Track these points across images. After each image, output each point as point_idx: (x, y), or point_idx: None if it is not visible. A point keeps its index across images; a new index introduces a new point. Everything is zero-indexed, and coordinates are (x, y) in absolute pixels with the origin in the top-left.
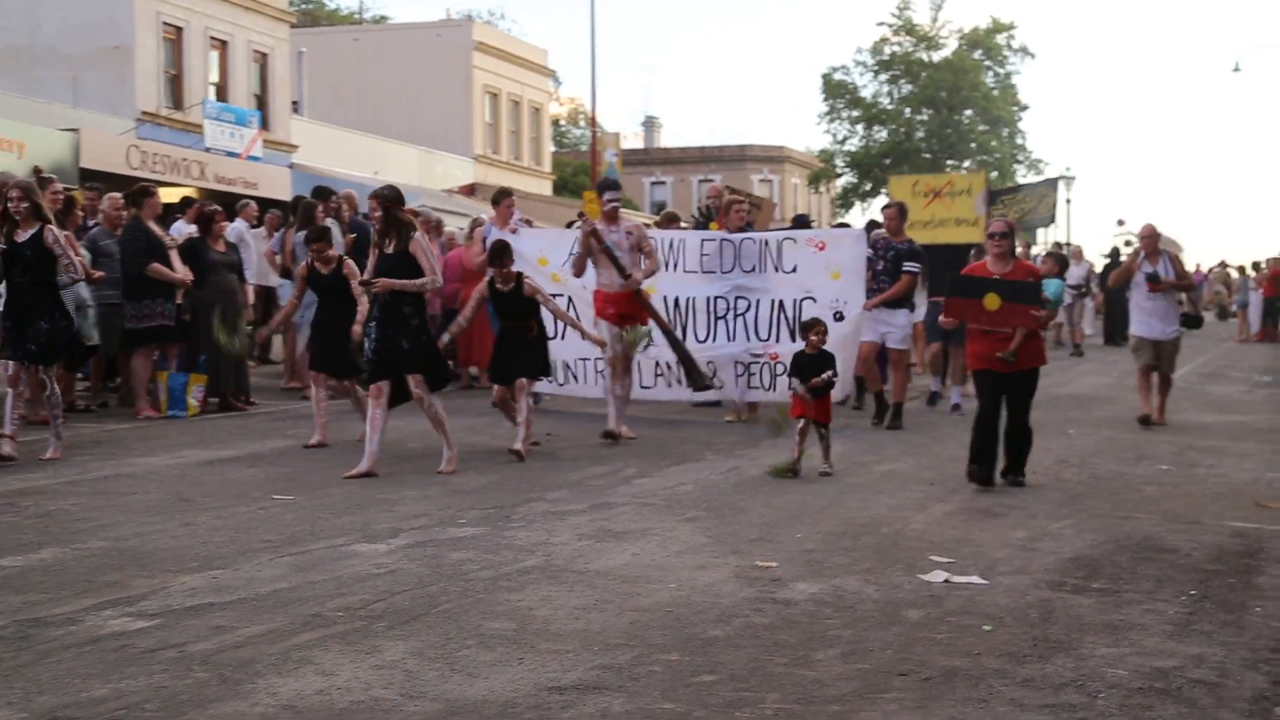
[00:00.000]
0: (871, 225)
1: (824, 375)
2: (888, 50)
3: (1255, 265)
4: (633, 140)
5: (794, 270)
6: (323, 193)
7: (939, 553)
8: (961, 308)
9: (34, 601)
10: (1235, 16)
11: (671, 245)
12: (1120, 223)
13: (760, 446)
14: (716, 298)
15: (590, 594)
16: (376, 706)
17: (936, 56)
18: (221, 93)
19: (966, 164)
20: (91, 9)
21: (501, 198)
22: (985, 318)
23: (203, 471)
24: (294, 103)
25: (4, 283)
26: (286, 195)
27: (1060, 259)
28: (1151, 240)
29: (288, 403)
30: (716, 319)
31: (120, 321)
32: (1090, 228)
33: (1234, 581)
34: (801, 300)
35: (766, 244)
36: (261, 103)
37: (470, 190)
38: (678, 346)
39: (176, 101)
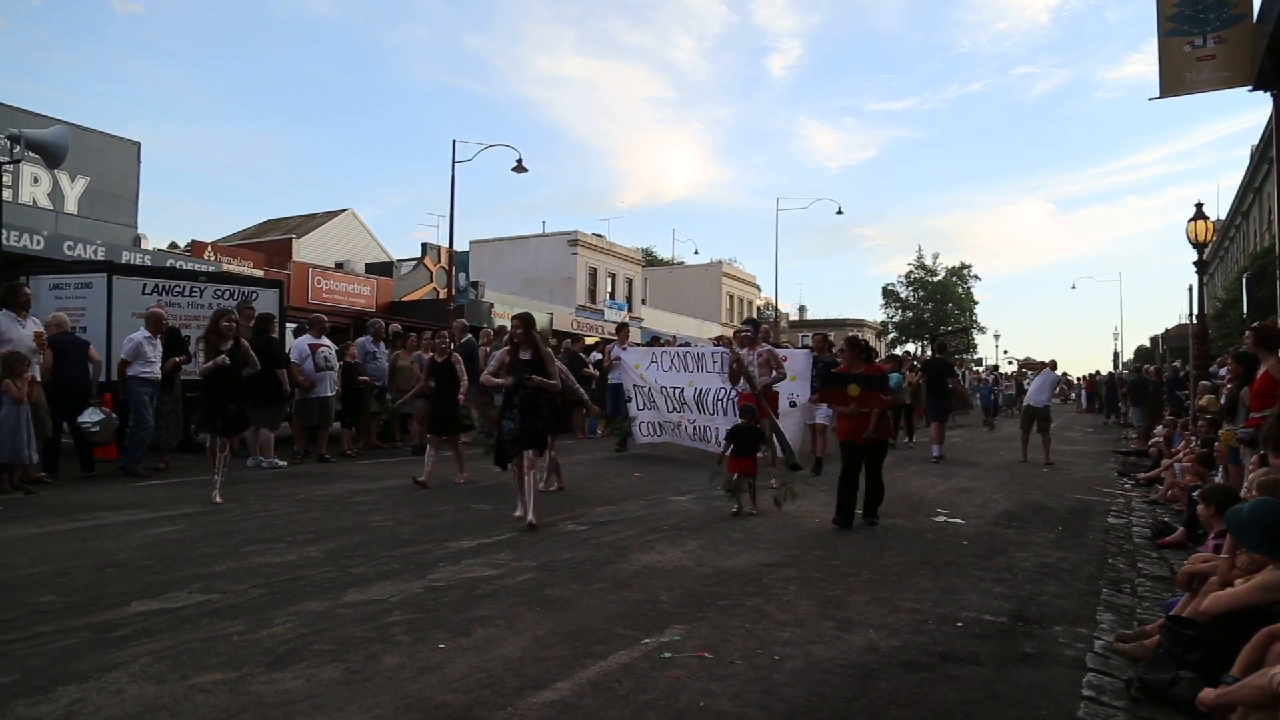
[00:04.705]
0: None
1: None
2: (912, 275)
3: (1079, 377)
4: (795, 315)
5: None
6: (654, 338)
7: (941, 507)
8: (832, 395)
9: (544, 517)
10: (1077, 258)
11: (708, 356)
12: (1005, 352)
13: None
14: (718, 388)
15: (780, 522)
16: (682, 569)
17: (935, 279)
18: (611, 295)
19: (949, 327)
20: (557, 264)
21: (620, 330)
22: (850, 401)
23: (604, 465)
24: (642, 300)
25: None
26: (638, 338)
27: (896, 360)
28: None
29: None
30: (719, 402)
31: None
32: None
33: (1078, 524)
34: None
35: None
36: (628, 299)
37: (719, 340)
38: (778, 432)
39: (591, 299)
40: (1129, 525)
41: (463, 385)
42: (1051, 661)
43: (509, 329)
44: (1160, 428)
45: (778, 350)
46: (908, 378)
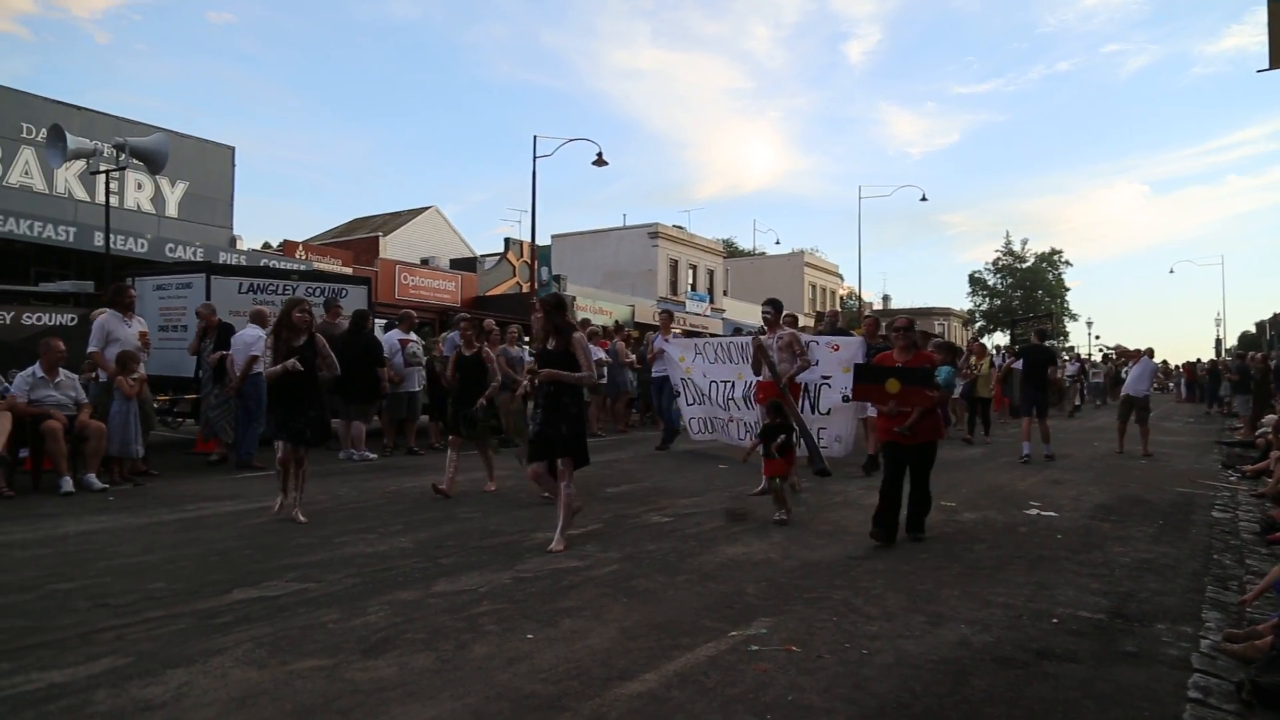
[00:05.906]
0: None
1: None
2: (1000, 262)
3: (1178, 365)
4: (878, 305)
5: (816, 363)
6: (736, 329)
7: (1034, 500)
8: (867, 390)
9: (619, 509)
10: (1174, 241)
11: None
12: (1097, 338)
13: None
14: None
15: (866, 515)
16: (768, 561)
17: (1025, 265)
18: (693, 286)
19: (1031, 315)
20: (638, 257)
21: (665, 319)
22: (888, 399)
23: (686, 457)
24: (724, 291)
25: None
26: (720, 330)
27: (952, 349)
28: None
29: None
30: None
31: None
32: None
33: (1180, 518)
34: (820, 384)
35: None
36: (710, 290)
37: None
38: (805, 431)
39: (673, 290)
40: (1235, 520)
41: (494, 385)
42: (1154, 661)
43: (589, 322)
44: (1270, 417)
45: (827, 337)
46: (988, 372)
